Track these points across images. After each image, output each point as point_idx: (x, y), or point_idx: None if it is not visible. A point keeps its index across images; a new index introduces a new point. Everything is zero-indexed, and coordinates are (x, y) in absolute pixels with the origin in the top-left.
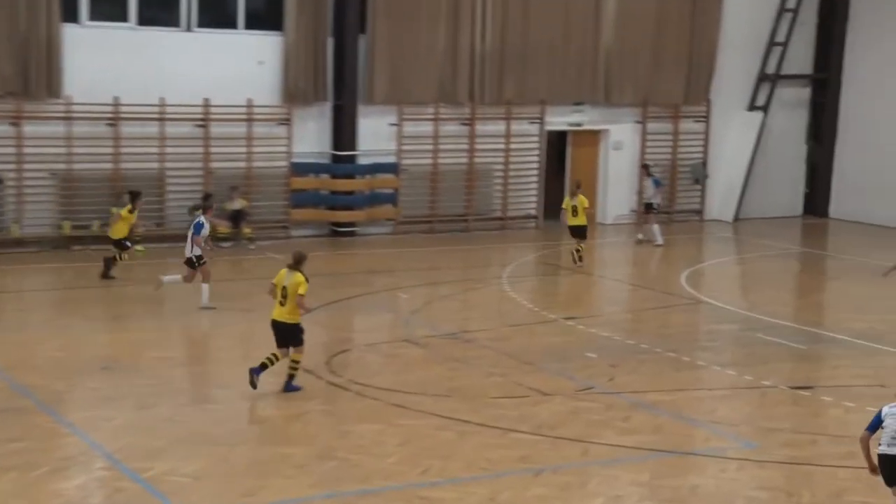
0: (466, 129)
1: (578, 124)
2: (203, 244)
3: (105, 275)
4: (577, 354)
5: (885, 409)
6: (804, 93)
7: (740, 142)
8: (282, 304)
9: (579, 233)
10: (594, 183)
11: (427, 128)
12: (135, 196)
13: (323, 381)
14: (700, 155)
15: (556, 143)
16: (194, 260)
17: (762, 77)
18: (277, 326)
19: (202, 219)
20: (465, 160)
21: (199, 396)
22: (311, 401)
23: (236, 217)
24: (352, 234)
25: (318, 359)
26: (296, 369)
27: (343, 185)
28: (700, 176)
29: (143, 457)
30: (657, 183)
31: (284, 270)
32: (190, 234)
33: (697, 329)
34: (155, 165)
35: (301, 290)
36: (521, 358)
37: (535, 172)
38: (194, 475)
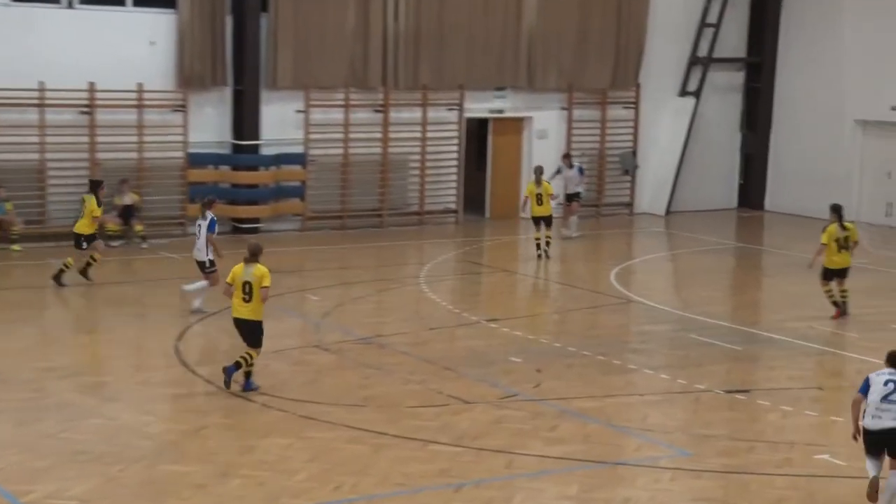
0: (380, 117)
1: (500, 111)
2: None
3: (84, 273)
4: (501, 359)
5: (872, 376)
6: (738, 77)
7: (672, 129)
8: (246, 300)
9: (547, 222)
10: (517, 174)
11: (337, 115)
12: (95, 186)
13: (224, 392)
14: (629, 144)
15: (477, 132)
16: (207, 264)
17: (694, 61)
18: (241, 325)
19: (212, 216)
20: (378, 150)
21: (87, 410)
22: (211, 414)
23: (127, 213)
24: (255, 230)
25: (218, 368)
26: (251, 366)
27: (245, 177)
28: (629, 166)
29: (23, 478)
30: (581, 171)
31: (241, 266)
32: (202, 234)
33: (628, 330)
34: (34, 156)
35: (266, 282)
36: (440, 363)
37: (455, 163)
38: (81, 497)
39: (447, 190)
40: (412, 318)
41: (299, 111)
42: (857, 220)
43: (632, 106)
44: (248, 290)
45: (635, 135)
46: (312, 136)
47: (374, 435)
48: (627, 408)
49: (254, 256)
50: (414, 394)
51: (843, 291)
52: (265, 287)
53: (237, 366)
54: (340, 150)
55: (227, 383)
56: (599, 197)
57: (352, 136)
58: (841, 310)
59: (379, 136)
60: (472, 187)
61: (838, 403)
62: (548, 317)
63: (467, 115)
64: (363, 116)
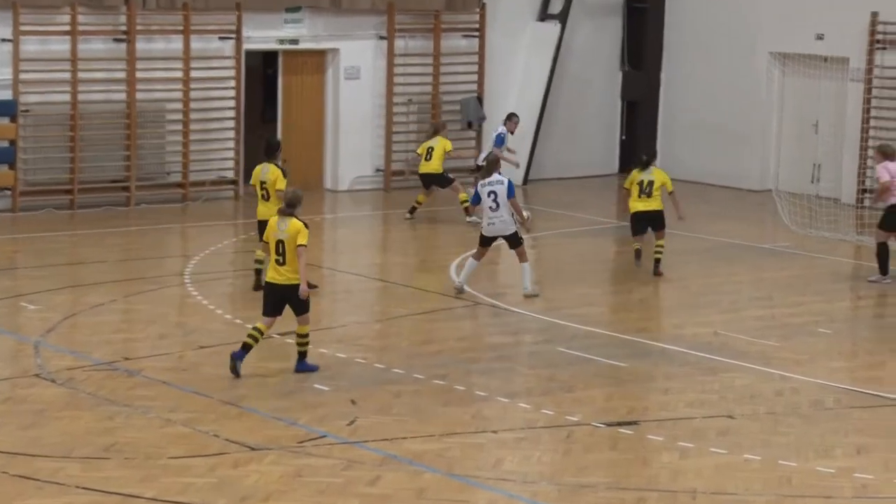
0: (123, 48)
1: (294, 41)
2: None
3: None
4: (301, 387)
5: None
6: None
7: (529, 67)
8: (279, 262)
9: (427, 182)
10: (319, 128)
11: (60, 46)
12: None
13: None
14: (473, 87)
15: (262, 71)
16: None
17: None
18: (274, 290)
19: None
20: (122, 97)
21: None
22: None
23: None
24: None
25: None
26: (306, 344)
27: None
28: (474, 117)
29: None
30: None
31: (275, 219)
32: (501, 194)
33: (477, 344)
34: None
35: (301, 240)
36: (216, 396)
37: (231, 114)
38: None
39: (221, 152)
40: (174, 334)
41: (5, 40)
42: (776, 188)
43: (475, 34)
44: (281, 250)
45: (480, 74)
46: (25, 77)
47: (122, 499)
48: (476, 450)
49: (290, 208)
50: (178, 439)
51: (659, 247)
52: (302, 245)
53: (246, 349)
54: (67, 97)
55: (236, 371)
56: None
57: (82, 76)
58: (654, 269)
59: (122, 76)
60: (256, 148)
61: (754, 437)
62: (366, 327)
63: (248, 46)
64: (99, 48)
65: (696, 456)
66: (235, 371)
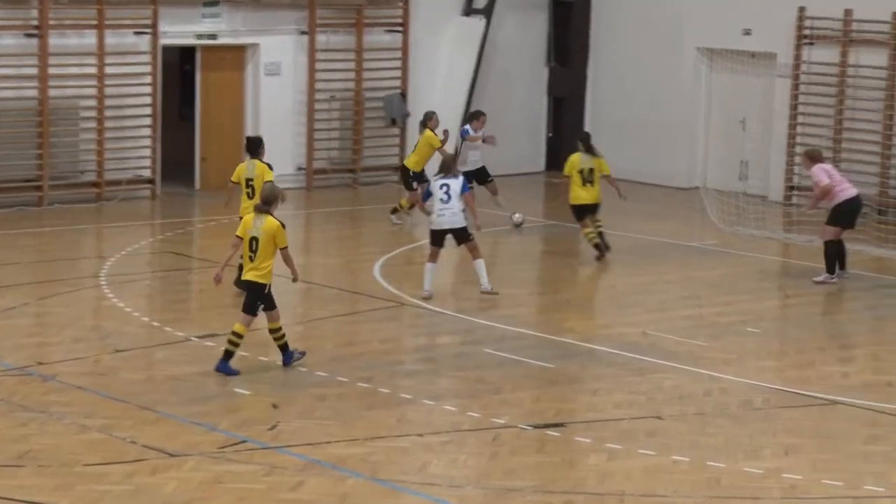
0: (34, 44)
1: (212, 36)
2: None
3: None
4: (221, 391)
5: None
6: None
7: (454, 63)
8: (251, 258)
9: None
10: (239, 126)
11: None
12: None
13: None
14: (397, 83)
15: (179, 66)
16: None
17: None
18: (246, 286)
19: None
20: (34, 94)
21: None
22: None
23: None
24: None
25: None
26: (282, 337)
27: None
28: (398, 114)
29: None
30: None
31: (251, 215)
32: (455, 188)
33: (400, 345)
34: None
35: (281, 243)
36: (132, 401)
37: (147, 111)
38: None
39: (137, 150)
40: (90, 338)
41: None
42: (704, 186)
43: (398, 30)
44: (254, 247)
45: (404, 70)
46: None
47: None
48: (401, 454)
49: (266, 205)
50: (94, 446)
51: (597, 223)
52: (282, 248)
53: (229, 356)
54: None
55: (234, 373)
56: (357, 158)
57: None
58: (601, 251)
59: (34, 72)
60: (174, 146)
61: (683, 438)
62: (288, 329)
63: (164, 41)
64: (9, 43)
65: (625, 458)
66: (234, 373)
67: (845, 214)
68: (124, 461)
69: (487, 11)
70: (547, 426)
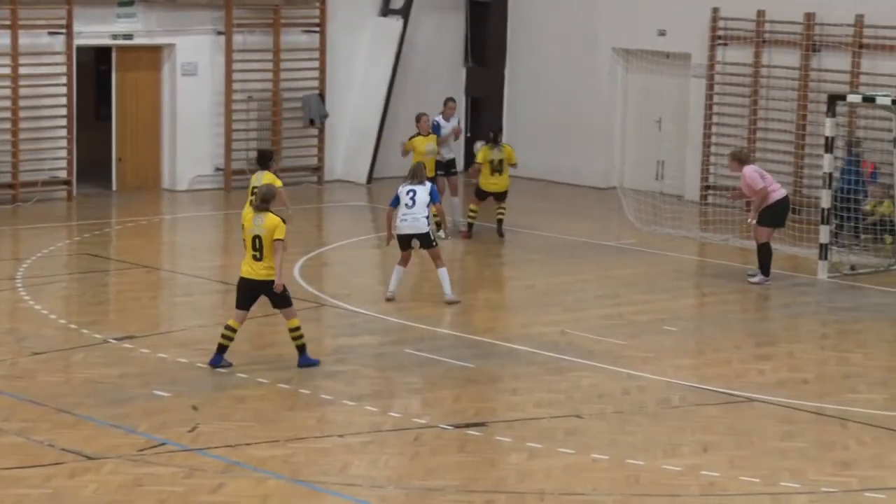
0: None
1: (127, 36)
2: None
3: None
4: (140, 393)
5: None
6: None
7: (372, 63)
8: (256, 257)
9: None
10: (156, 126)
11: None
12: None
13: None
14: (314, 83)
15: (95, 67)
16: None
17: None
18: (249, 285)
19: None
20: None
21: None
22: None
23: None
24: None
25: None
26: (300, 337)
27: None
28: (316, 115)
29: None
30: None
31: (251, 215)
32: (421, 195)
33: (320, 346)
34: None
35: (279, 234)
36: (49, 404)
37: (63, 112)
38: None
39: (53, 151)
40: (6, 340)
41: None
42: (621, 186)
43: (315, 30)
44: (258, 245)
45: (322, 71)
46: None
47: None
48: (321, 455)
49: (264, 202)
50: (12, 449)
51: (501, 209)
52: (278, 240)
53: (223, 350)
54: None
55: (227, 364)
56: (276, 159)
57: None
58: (499, 232)
59: None
60: (90, 147)
61: (602, 436)
62: (208, 330)
63: (79, 41)
64: None
65: (545, 456)
66: (227, 365)
67: (776, 214)
68: (42, 465)
69: (404, 12)
70: (467, 426)
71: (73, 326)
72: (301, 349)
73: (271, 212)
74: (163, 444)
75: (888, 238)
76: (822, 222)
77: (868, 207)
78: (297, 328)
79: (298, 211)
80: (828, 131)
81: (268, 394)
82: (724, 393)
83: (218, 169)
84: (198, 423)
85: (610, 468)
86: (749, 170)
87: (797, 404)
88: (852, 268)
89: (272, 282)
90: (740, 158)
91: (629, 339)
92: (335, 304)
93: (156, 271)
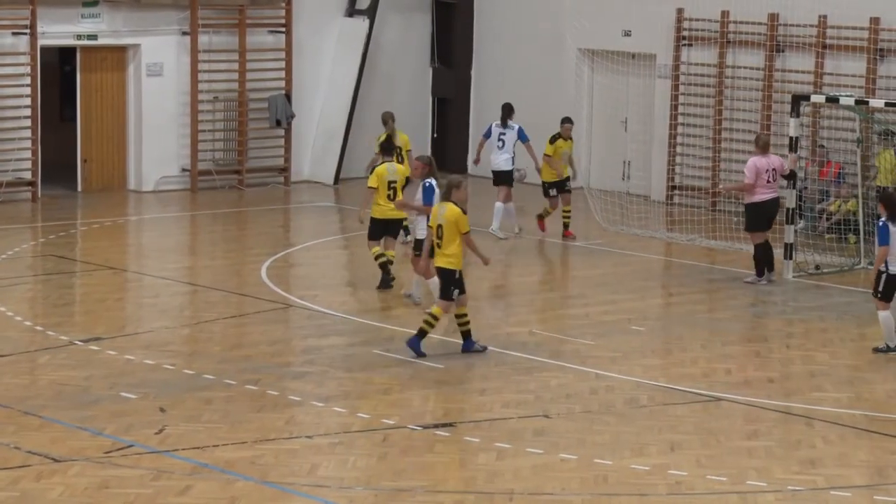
0: None
1: (92, 36)
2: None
3: None
4: (107, 395)
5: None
6: None
7: (338, 64)
8: (438, 245)
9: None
10: (122, 126)
11: None
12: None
13: None
14: (281, 83)
15: (60, 67)
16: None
17: None
18: (438, 274)
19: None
20: None
21: None
22: None
23: None
24: None
25: None
26: (467, 323)
27: None
28: (283, 115)
29: None
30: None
31: (437, 206)
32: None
33: (288, 347)
34: None
35: (463, 228)
36: (15, 406)
37: (27, 112)
38: None
39: (17, 152)
40: None
41: None
42: (587, 186)
43: (281, 30)
44: (441, 234)
45: (288, 71)
46: None
47: None
48: (290, 456)
49: (448, 192)
50: None
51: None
52: (465, 233)
53: (422, 335)
54: None
55: (421, 354)
56: (241, 159)
57: None
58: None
59: None
60: (54, 147)
61: (570, 436)
62: (175, 332)
63: (43, 41)
64: None
65: (513, 456)
66: (421, 354)
67: (760, 216)
68: (8, 467)
69: (371, 12)
70: (436, 426)
71: (38, 328)
72: (466, 335)
73: (453, 202)
74: (130, 446)
75: (852, 238)
76: (787, 222)
77: (832, 208)
78: (465, 315)
79: (265, 212)
80: (792, 131)
81: (236, 395)
82: (691, 392)
83: (184, 170)
84: (165, 424)
85: (578, 468)
86: (753, 160)
87: (763, 403)
88: (817, 267)
89: (452, 270)
90: (758, 144)
91: (597, 339)
92: (303, 305)
93: (122, 273)
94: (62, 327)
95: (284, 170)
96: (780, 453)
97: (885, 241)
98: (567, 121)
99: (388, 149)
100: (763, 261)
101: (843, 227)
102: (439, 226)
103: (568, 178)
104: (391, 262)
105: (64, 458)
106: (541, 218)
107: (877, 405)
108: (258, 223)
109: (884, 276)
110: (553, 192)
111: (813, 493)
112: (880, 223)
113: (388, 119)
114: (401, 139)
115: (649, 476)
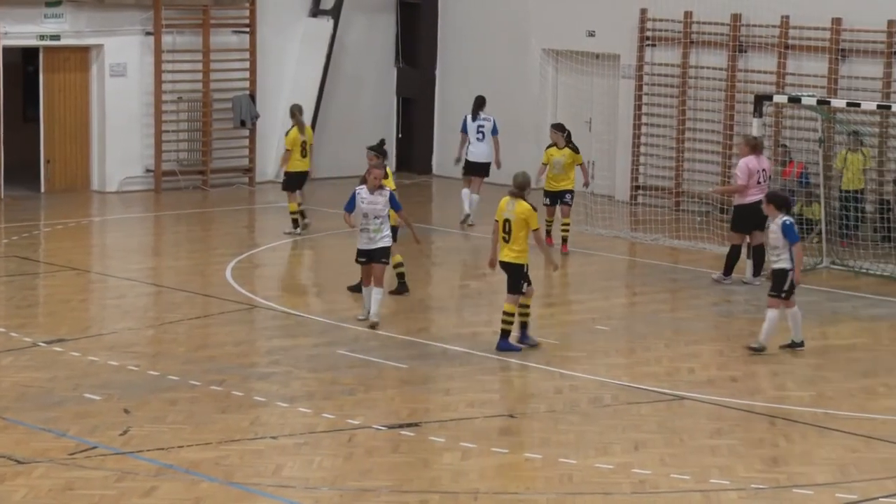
0: None
1: (55, 37)
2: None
3: None
4: (71, 397)
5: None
6: None
7: (302, 64)
8: (505, 240)
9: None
10: (85, 127)
11: None
12: None
13: None
14: (245, 84)
15: (22, 68)
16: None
17: None
18: (505, 268)
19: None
20: None
21: None
22: None
23: None
24: None
25: None
26: (527, 315)
27: None
28: (247, 116)
29: None
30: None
31: (506, 199)
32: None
33: (253, 348)
34: None
35: (533, 225)
36: None
37: None
38: None
39: None
40: None
41: None
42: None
43: (245, 30)
44: (508, 229)
45: (252, 71)
46: None
47: None
48: (255, 457)
49: (520, 190)
50: None
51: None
52: (535, 230)
53: (525, 326)
54: None
55: (533, 343)
56: (206, 160)
57: None
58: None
59: None
60: (17, 148)
61: (535, 436)
62: (139, 333)
63: (6, 42)
64: None
65: (478, 456)
66: (533, 344)
67: (747, 219)
68: None
69: (335, 12)
70: (401, 426)
71: (1, 330)
72: (524, 326)
73: (525, 199)
74: (94, 447)
75: (814, 237)
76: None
77: (795, 209)
78: (528, 306)
79: (230, 212)
80: (755, 131)
81: (200, 396)
82: (655, 391)
83: (148, 170)
84: (129, 426)
85: (543, 467)
86: (745, 161)
87: (727, 402)
88: None
89: (520, 265)
90: (752, 144)
91: (561, 339)
92: (268, 305)
93: (86, 274)
94: (25, 328)
95: (249, 170)
96: (743, 452)
97: (797, 237)
98: (554, 127)
99: (380, 150)
100: (734, 262)
101: (804, 226)
102: (507, 220)
103: (568, 191)
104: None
105: (28, 459)
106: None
107: (839, 403)
108: (223, 224)
109: (790, 273)
110: (546, 201)
111: (775, 492)
112: (787, 222)
113: (295, 112)
114: (307, 133)
115: (613, 475)
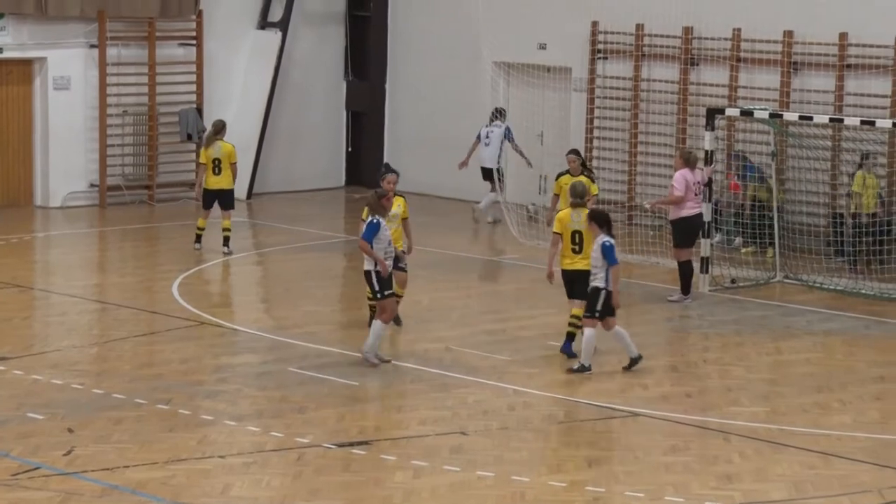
0: None
1: None
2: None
3: None
4: (13, 416)
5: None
6: (338, 2)
7: (250, 77)
8: (575, 251)
9: (225, 200)
10: (27, 142)
11: None
12: None
13: None
14: (192, 98)
15: None
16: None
17: None
18: (570, 276)
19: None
20: None
21: None
22: None
23: None
24: None
25: None
26: (579, 326)
27: None
28: (193, 130)
29: None
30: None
31: (567, 211)
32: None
33: (200, 365)
34: None
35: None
36: None
37: None
38: None
39: None
40: None
41: None
42: (504, 200)
43: (192, 43)
44: (578, 240)
45: (199, 84)
46: None
47: None
48: (202, 476)
49: (580, 198)
50: None
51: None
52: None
53: (571, 338)
54: None
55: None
56: (152, 174)
57: None
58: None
59: None
60: None
61: (487, 453)
62: (83, 351)
63: None
64: None
65: (430, 474)
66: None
67: (687, 232)
68: None
69: (283, 25)
70: (352, 444)
71: None
72: (570, 336)
73: (586, 207)
74: (37, 468)
75: (769, 251)
76: (704, 236)
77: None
78: (580, 317)
79: (176, 227)
80: (707, 144)
81: (146, 415)
82: (608, 408)
83: (93, 185)
84: (73, 445)
85: (496, 485)
86: (681, 173)
87: (681, 418)
88: (733, 281)
89: (587, 271)
90: (686, 159)
91: (514, 355)
92: (215, 322)
93: (29, 290)
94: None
95: (195, 185)
96: (697, 468)
97: (615, 259)
98: (573, 153)
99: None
100: (690, 276)
101: (758, 240)
102: (576, 232)
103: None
104: None
105: None
106: None
107: (793, 419)
108: (169, 239)
109: (602, 292)
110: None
111: None
112: (607, 243)
113: (215, 126)
114: (223, 150)
115: (567, 493)
